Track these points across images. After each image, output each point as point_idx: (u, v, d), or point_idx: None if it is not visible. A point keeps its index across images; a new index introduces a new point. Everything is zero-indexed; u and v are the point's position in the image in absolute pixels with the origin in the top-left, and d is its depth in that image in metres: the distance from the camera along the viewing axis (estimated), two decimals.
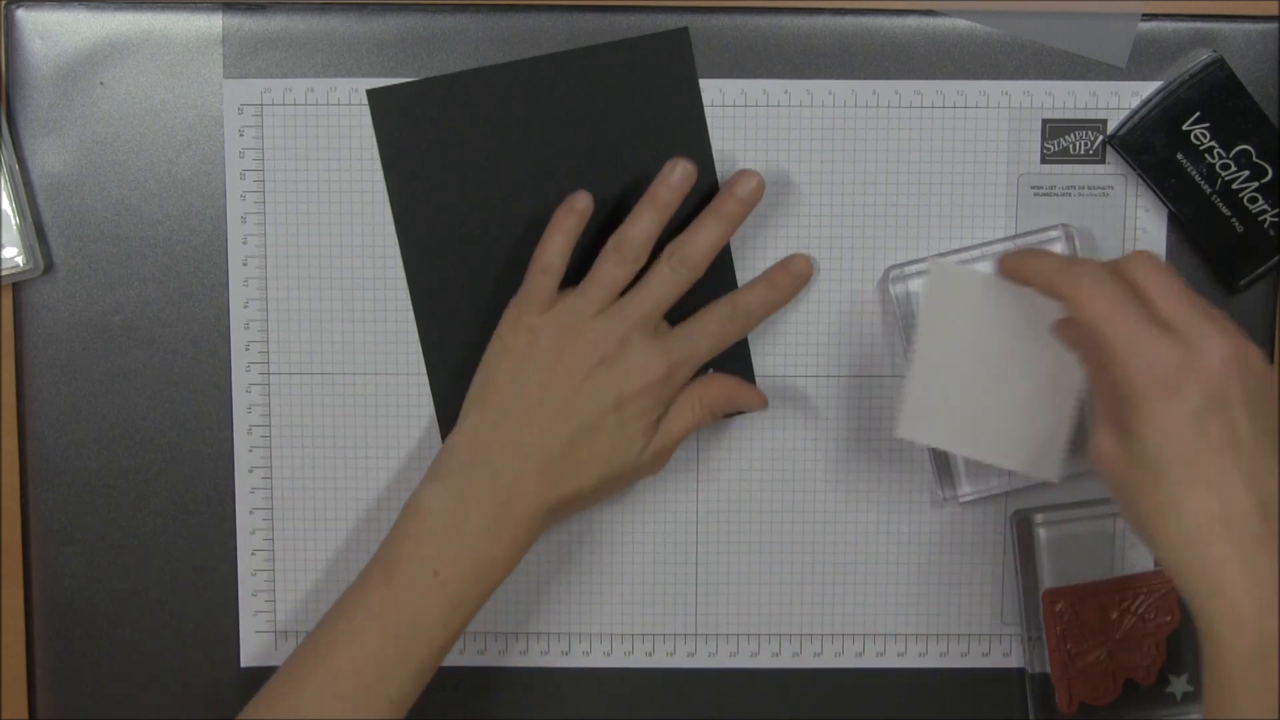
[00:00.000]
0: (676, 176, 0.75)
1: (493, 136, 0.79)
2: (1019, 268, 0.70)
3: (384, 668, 0.72)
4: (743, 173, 0.77)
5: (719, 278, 0.79)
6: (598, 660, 0.83)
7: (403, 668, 0.73)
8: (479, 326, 0.80)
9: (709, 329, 0.77)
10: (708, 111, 0.79)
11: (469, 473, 0.75)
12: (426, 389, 0.81)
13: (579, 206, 0.75)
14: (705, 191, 0.78)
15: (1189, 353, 0.63)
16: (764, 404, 0.79)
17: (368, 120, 0.79)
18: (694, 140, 0.79)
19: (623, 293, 0.76)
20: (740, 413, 0.81)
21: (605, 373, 0.75)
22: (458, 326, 0.80)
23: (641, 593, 0.83)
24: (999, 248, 0.80)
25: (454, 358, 0.80)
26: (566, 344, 0.75)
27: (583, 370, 0.75)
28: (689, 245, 0.76)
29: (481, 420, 0.76)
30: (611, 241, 0.76)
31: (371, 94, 0.79)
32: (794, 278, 0.79)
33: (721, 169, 0.80)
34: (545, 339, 0.75)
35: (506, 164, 0.79)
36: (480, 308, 0.80)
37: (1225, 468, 0.62)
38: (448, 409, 0.81)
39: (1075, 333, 0.70)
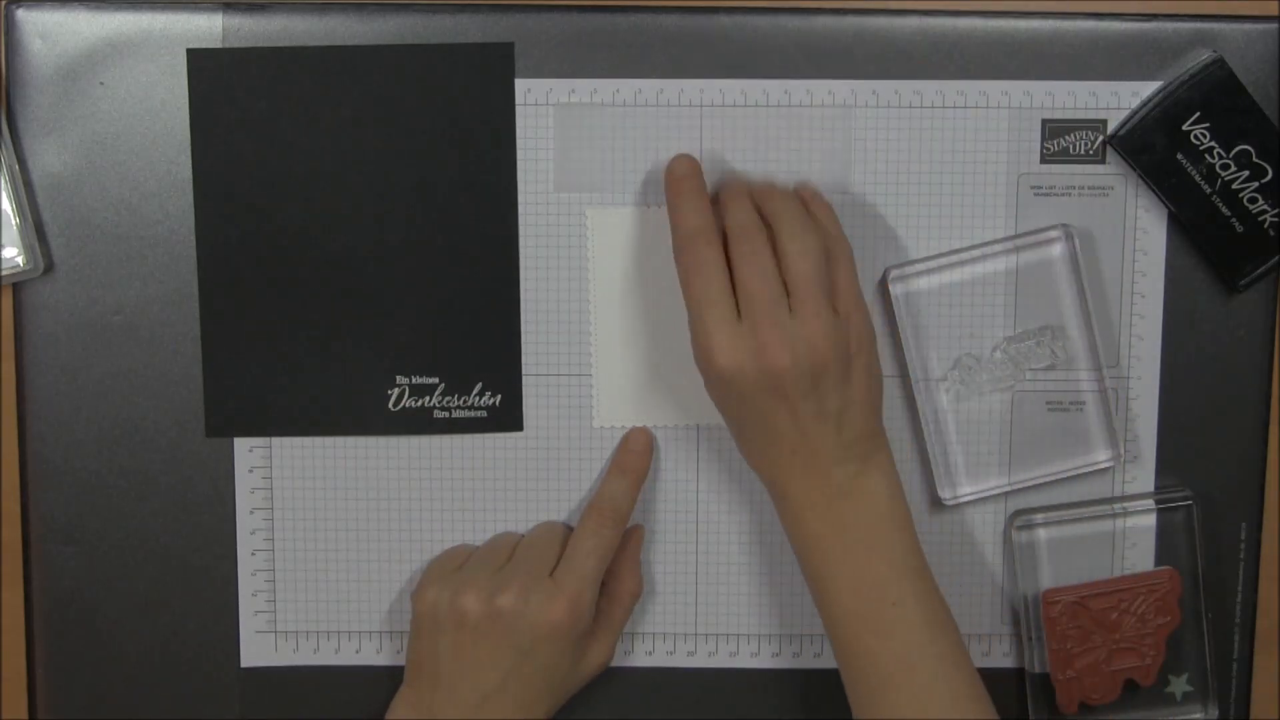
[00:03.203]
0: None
1: (304, 116, 0.78)
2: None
3: None
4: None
5: None
6: None
7: None
8: (260, 300, 0.79)
9: (588, 545, 0.78)
10: (709, 112, 0.79)
11: None
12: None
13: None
14: (506, 199, 0.79)
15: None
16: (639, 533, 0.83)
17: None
18: (502, 151, 0.79)
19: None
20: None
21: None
22: (241, 295, 0.80)
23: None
24: (999, 247, 0.80)
25: (231, 322, 0.80)
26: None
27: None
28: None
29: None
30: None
31: (191, 53, 0.78)
32: (638, 455, 0.81)
33: (720, 169, 0.79)
34: None
35: (314, 145, 0.78)
36: (264, 279, 0.79)
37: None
38: (216, 372, 0.80)
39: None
